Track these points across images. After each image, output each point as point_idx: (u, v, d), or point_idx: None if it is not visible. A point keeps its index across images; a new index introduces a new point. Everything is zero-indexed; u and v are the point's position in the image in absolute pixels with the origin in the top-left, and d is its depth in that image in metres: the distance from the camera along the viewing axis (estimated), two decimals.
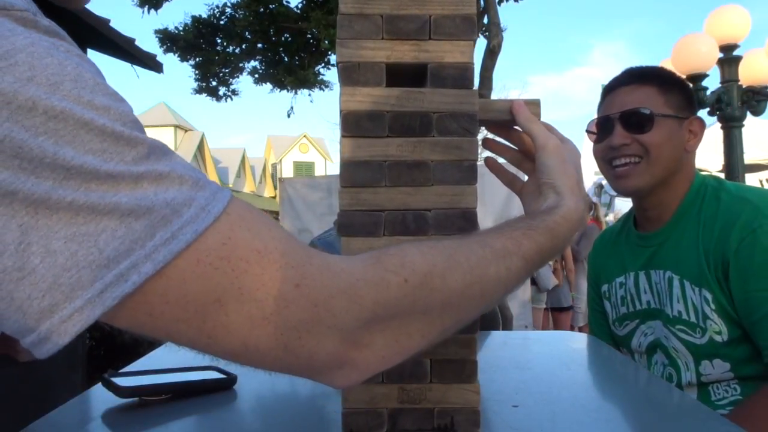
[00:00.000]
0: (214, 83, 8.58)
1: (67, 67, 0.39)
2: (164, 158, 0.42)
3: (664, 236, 1.33)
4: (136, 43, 4.39)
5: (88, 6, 0.65)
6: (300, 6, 7.69)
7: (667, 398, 0.94)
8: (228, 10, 8.00)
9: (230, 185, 31.37)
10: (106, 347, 4.08)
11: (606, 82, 1.44)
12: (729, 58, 3.90)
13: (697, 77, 3.77)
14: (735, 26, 3.81)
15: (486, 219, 5.05)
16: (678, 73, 1.55)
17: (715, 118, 4.14)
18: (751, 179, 6.42)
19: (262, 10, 7.51)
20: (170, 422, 0.83)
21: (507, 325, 4.14)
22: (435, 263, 0.50)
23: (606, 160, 1.34)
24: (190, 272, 0.40)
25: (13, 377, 2.81)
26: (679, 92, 1.33)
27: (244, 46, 8.04)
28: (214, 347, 0.43)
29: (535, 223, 0.61)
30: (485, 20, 5.35)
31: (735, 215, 1.19)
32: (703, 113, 3.81)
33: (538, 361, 1.17)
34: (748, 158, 4.87)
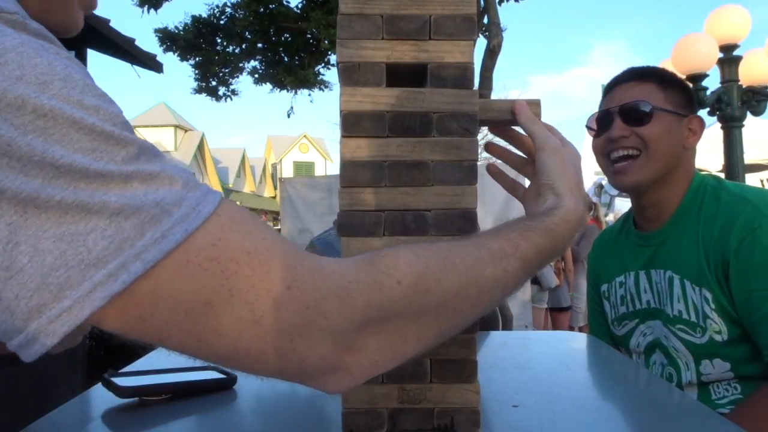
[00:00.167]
0: (213, 83, 8.58)
1: (57, 67, 0.39)
2: (154, 159, 0.42)
3: (665, 236, 1.33)
4: (136, 43, 4.40)
5: None
6: (300, 6, 7.68)
7: (667, 398, 0.94)
8: (228, 9, 8.00)
9: (230, 185, 31.39)
10: (106, 347, 4.08)
11: (606, 82, 1.44)
12: (729, 58, 3.90)
13: (697, 77, 3.77)
14: (735, 26, 3.81)
15: (486, 219, 5.05)
16: (678, 74, 1.55)
17: (715, 118, 4.14)
18: (751, 179, 6.42)
19: (262, 10, 7.51)
20: (170, 422, 0.83)
21: (507, 325, 4.14)
22: (429, 265, 0.50)
23: (605, 153, 1.35)
24: (179, 273, 0.40)
25: (13, 377, 2.81)
26: (679, 90, 1.34)
27: (244, 46, 8.04)
28: (205, 351, 0.43)
29: (533, 225, 0.60)
30: (485, 20, 5.35)
31: (735, 215, 1.19)
32: (703, 113, 3.81)
33: (538, 361, 1.17)
34: (748, 158, 4.87)
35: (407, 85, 0.69)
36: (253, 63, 8.45)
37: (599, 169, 1.43)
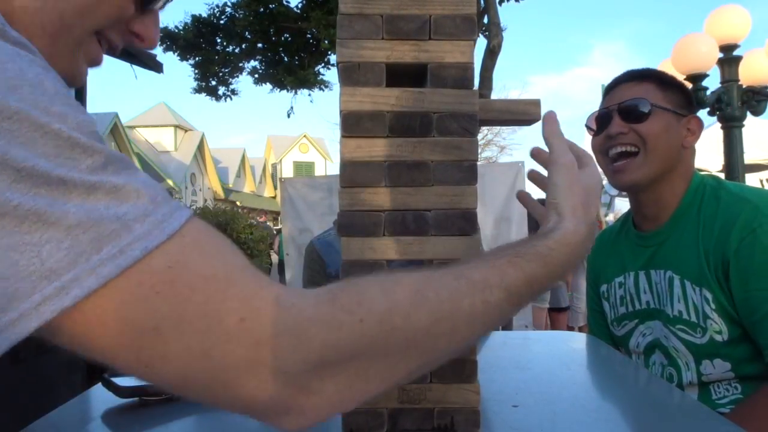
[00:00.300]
0: (213, 83, 8.59)
1: (28, 74, 0.39)
2: (123, 171, 0.40)
3: (664, 236, 1.33)
4: None
5: None
6: (300, 6, 7.69)
7: (667, 398, 0.94)
8: (228, 9, 8.01)
9: (230, 185, 31.39)
10: None
11: (606, 82, 1.45)
12: (729, 58, 3.90)
13: (697, 77, 3.77)
14: (735, 26, 3.81)
15: (486, 219, 5.05)
16: (678, 74, 1.55)
17: (715, 118, 4.14)
18: (751, 179, 6.41)
19: (262, 10, 7.52)
20: (170, 422, 0.83)
21: (507, 325, 4.14)
22: (398, 300, 0.46)
23: (603, 151, 1.35)
24: (130, 293, 0.38)
25: (13, 377, 2.81)
26: (678, 91, 1.35)
27: (244, 46, 8.05)
28: (153, 377, 0.41)
29: (524, 250, 0.56)
30: (485, 20, 5.35)
31: (735, 215, 1.19)
32: (703, 113, 3.81)
33: (538, 361, 1.17)
34: (748, 158, 4.87)
35: (407, 85, 0.69)
36: (253, 63, 8.46)
37: (598, 165, 1.43)
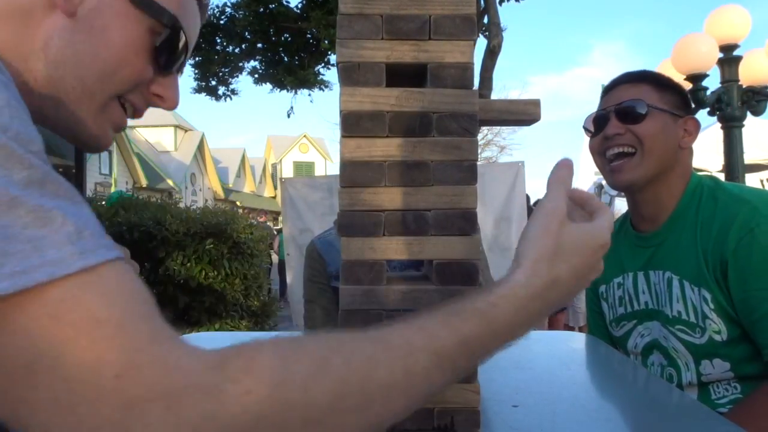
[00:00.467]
0: (213, 83, 8.59)
1: None
2: (59, 198, 0.38)
3: (663, 237, 1.33)
4: None
5: None
6: (300, 6, 7.69)
7: (667, 398, 0.94)
8: (228, 9, 8.01)
9: (230, 185, 31.41)
10: None
11: (606, 82, 1.45)
12: (729, 58, 3.90)
13: (697, 77, 3.77)
14: (735, 26, 3.80)
15: (486, 219, 5.05)
16: (678, 74, 1.56)
17: (715, 118, 4.14)
18: (751, 179, 6.41)
19: (262, 10, 7.52)
20: None
21: None
22: (296, 370, 0.40)
23: (601, 152, 1.36)
24: (11, 321, 0.35)
25: None
26: (675, 93, 1.36)
27: (244, 46, 8.04)
28: (15, 424, 0.36)
29: (461, 307, 0.49)
30: (485, 20, 5.35)
31: (732, 215, 1.20)
32: (703, 113, 3.82)
33: (538, 361, 1.17)
34: (748, 158, 4.87)
35: (407, 85, 0.69)
36: (253, 63, 8.46)
37: (596, 165, 1.44)
